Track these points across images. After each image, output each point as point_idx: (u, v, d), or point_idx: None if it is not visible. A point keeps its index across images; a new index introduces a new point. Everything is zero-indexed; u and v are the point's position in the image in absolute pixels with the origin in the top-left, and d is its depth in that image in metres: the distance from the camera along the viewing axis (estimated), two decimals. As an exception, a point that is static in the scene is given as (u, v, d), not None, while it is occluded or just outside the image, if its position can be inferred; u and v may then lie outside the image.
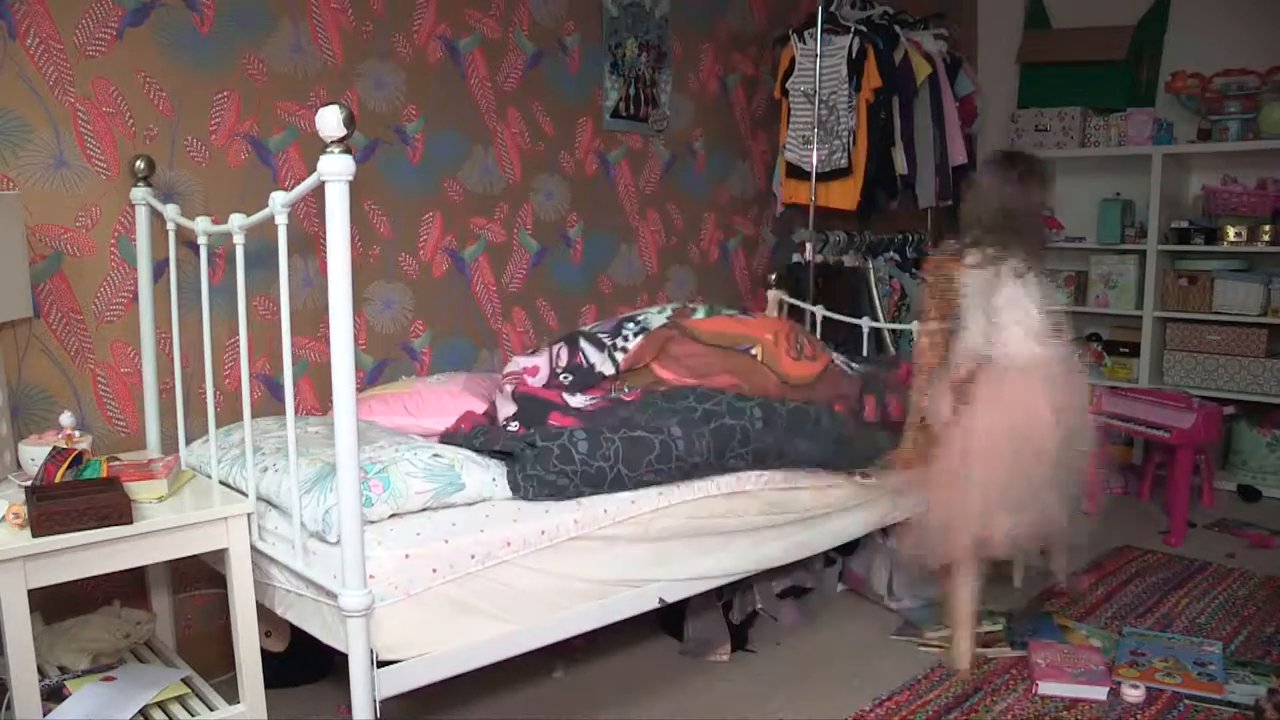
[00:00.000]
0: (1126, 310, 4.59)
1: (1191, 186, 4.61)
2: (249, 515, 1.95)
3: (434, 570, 1.84)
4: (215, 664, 2.30)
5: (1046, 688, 2.45)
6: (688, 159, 3.74)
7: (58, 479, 1.83)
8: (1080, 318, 4.95)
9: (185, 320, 2.33)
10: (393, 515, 1.94)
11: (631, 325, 2.73)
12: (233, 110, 2.50)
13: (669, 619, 2.77)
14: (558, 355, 2.67)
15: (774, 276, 3.94)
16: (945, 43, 4.12)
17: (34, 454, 1.91)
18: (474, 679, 2.06)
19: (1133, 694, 2.41)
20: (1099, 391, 4.26)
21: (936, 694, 2.47)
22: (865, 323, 3.68)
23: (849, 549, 3.04)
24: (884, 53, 3.75)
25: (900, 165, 3.90)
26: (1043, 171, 2.52)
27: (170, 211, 2.25)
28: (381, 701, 1.78)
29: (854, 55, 3.71)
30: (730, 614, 2.74)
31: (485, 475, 2.08)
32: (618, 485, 2.18)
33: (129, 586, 2.29)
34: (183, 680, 2.01)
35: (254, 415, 2.07)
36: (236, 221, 1.98)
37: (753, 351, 2.67)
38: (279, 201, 1.84)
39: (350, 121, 1.63)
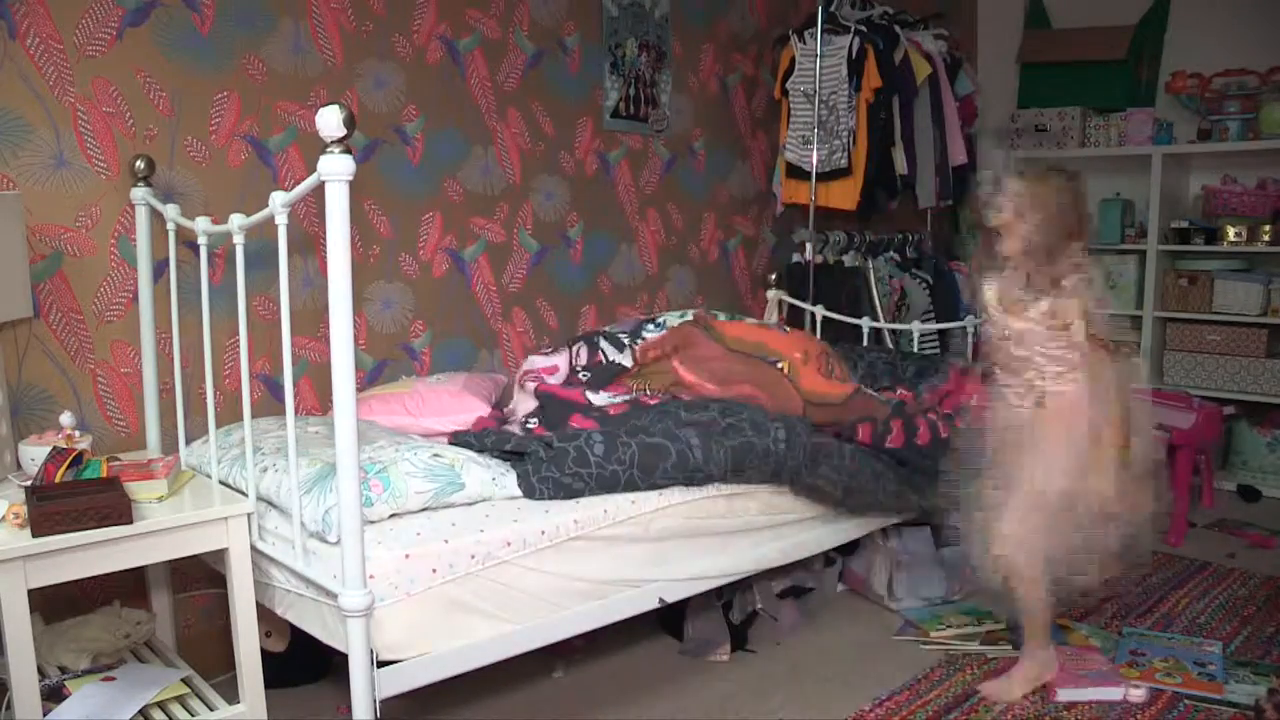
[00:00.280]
0: (1126, 310, 4.59)
1: (1191, 186, 4.61)
2: (249, 515, 1.95)
3: (434, 570, 1.84)
4: (215, 664, 2.30)
5: (1066, 694, 2.42)
6: (688, 159, 3.74)
7: (58, 479, 1.83)
8: (1080, 318, 4.96)
9: (185, 320, 2.33)
10: (393, 515, 1.94)
11: (651, 325, 2.73)
12: (233, 110, 2.50)
13: (669, 619, 2.77)
14: (577, 354, 2.67)
15: (774, 276, 3.94)
16: (945, 43, 4.13)
17: (34, 454, 1.92)
18: (474, 679, 2.06)
19: (1135, 694, 2.41)
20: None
21: (936, 694, 2.47)
22: (865, 323, 3.69)
23: (849, 549, 3.04)
24: (884, 53, 3.75)
25: (900, 165, 3.90)
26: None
27: (170, 211, 2.25)
28: (381, 701, 1.78)
29: (854, 55, 3.71)
30: (730, 614, 2.74)
31: (485, 475, 2.08)
32: (631, 490, 2.18)
33: (129, 586, 2.29)
34: (183, 680, 2.01)
35: (254, 415, 2.07)
36: (236, 221, 1.98)
37: (779, 365, 2.59)
38: (279, 201, 1.84)
39: (350, 121, 1.63)
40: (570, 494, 2.10)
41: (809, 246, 3.91)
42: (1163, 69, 4.59)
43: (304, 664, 2.46)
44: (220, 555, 1.93)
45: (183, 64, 2.40)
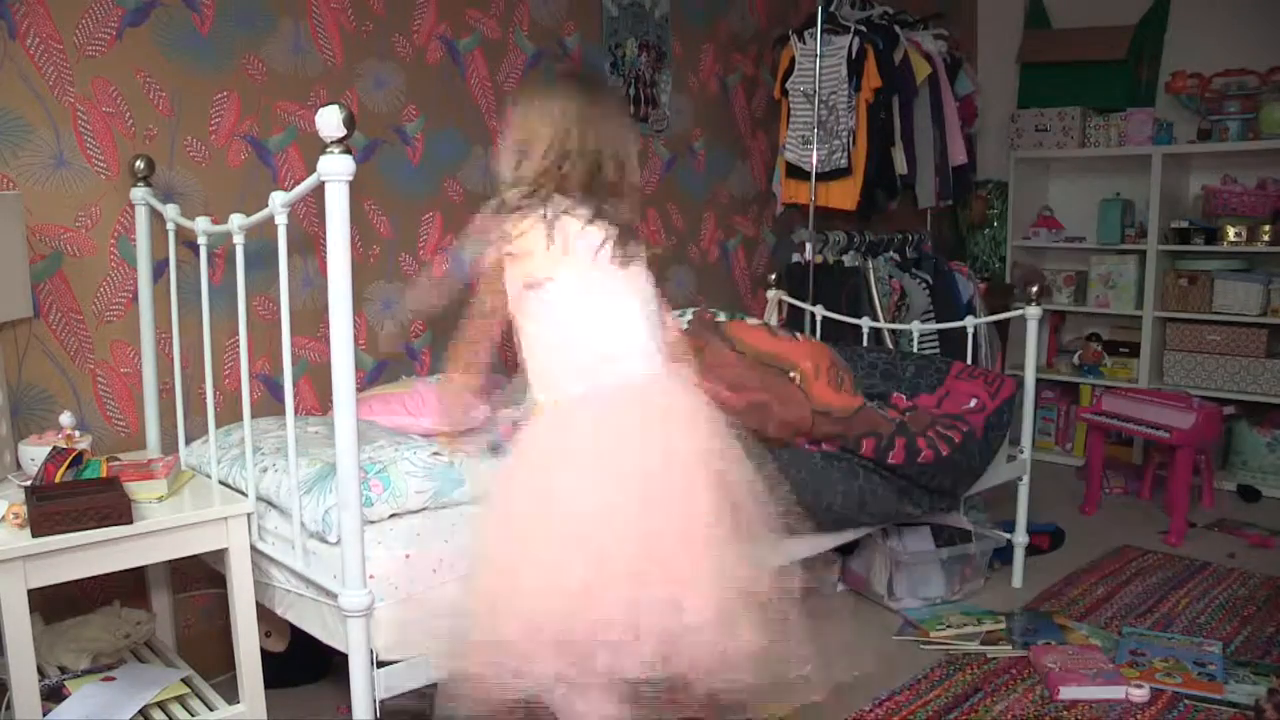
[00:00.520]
0: (1126, 310, 4.59)
1: (1191, 186, 4.61)
2: (249, 515, 1.95)
3: (434, 570, 1.84)
4: (215, 664, 2.30)
5: (1069, 692, 2.43)
6: (688, 159, 3.74)
7: (58, 479, 1.83)
8: (1080, 318, 4.97)
9: (185, 320, 2.33)
10: (392, 515, 1.94)
11: None
12: (233, 110, 2.50)
13: (669, 619, 2.77)
14: None
15: (774, 276, 3.94)
16: (945, 43, 4.12)
17: (34, 454, 1.92)
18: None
19: (1137, 694, 2.41)
20: (1098, 392, 4.26)
21: (936, 694, 2.47)
22: (865, 323, 3.69)
23: (849, 549, 3.04)
24: (884, 53, 3.75)
25: (900, 165, 3.90)
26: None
27: (170, 211, 2.25)
28: (381, 701, 1.78)
29: (854, 55, 3.71)
30: (730, 614, 2.73)
31: (482, 470, 2.08)
32: None
33: (129, 586, 2.29)
34: (183, 680, 2.01)
35: (254, 415, 2.07)
36: (236, 221, 1.98)
37: (792, 374, 2.57)
38: (279, 201, 1.84)
39: (350, 122, 1.63)
40: None
41: (809, 246, 3.91)
42: (1163, 69, 4.59)
43: (304, 664, 2.46)
44: (220, 555, 1.93)
45: (183, 64, 2.40)
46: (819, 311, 3.80)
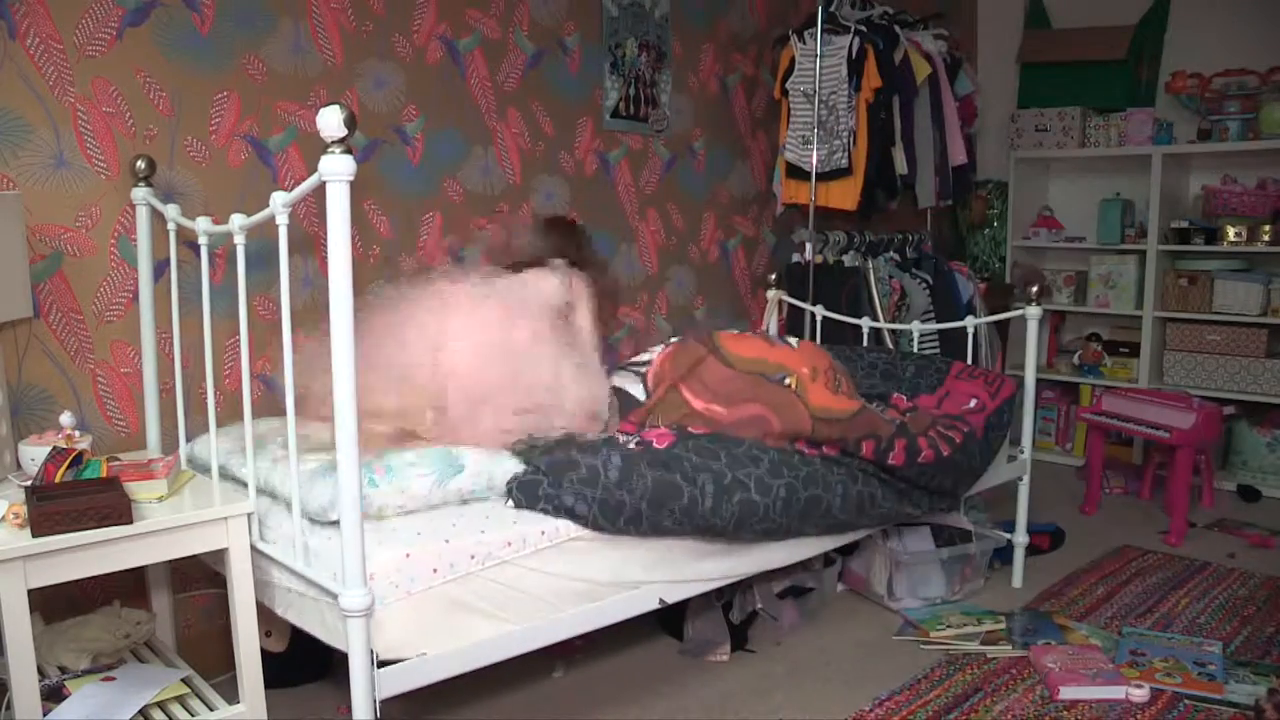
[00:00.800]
0: (1126, 310, 4.59)
1: (1191, 186, 4.62)
2: (249, 515, 1.95)
3: (434, 570, 1.84)
4: (215, 664, 2.30)
5: (1069, 692, 2.43)
6: (688, 159, 3.74)
7: (58, 479, 1.83)
8: (1080, 318, 4.97)
9: (185, 320, 2.33)
10: (398, 509, 1.94)
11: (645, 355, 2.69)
12: (233, 110, 2.50)
13: (669, 619, 2.77)
14: None
15: (774, 276, 3.94)
16: (945, 43, 4.13)
17: (34, 454, 1.91)
18: (474, 679, 2.06)
19: (1137, 694, 2.41)
20: (1098, 392, 4.27)
21: (936, 694, 2.47)
22: (865, 323, 3.69)
23: (849, 549, 3.04)
24: (884, 53, 3.75)
25: (900, 165, 3.90)
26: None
27: (171, 211, 2.25)
28: (381, 701, 1.78)
29: (854, 55, 3.71)
30: (730, 614, 2.74)
31: (482, 455, 2.09)
32: (634, 524, 2.11)
33: (129, 586, 2.29)
34: (183, 680, 2.01)
35: (254, 415, 2.07)
36: (237, 221, 1.98)
37: (786, 381, 2.53)
38: (280, 202, 1.84)
39: (351, 122, 1.63)
40: (572, 517, 2.06)
41: (809, 246, 3.91)
42: (1163, 69, 4.60)
43: (304, 664, 2.46)
44: (220, 555, 1.93)
45: (183, 64, 2.40)
46: (819, 311, 3.80)
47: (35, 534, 1.67)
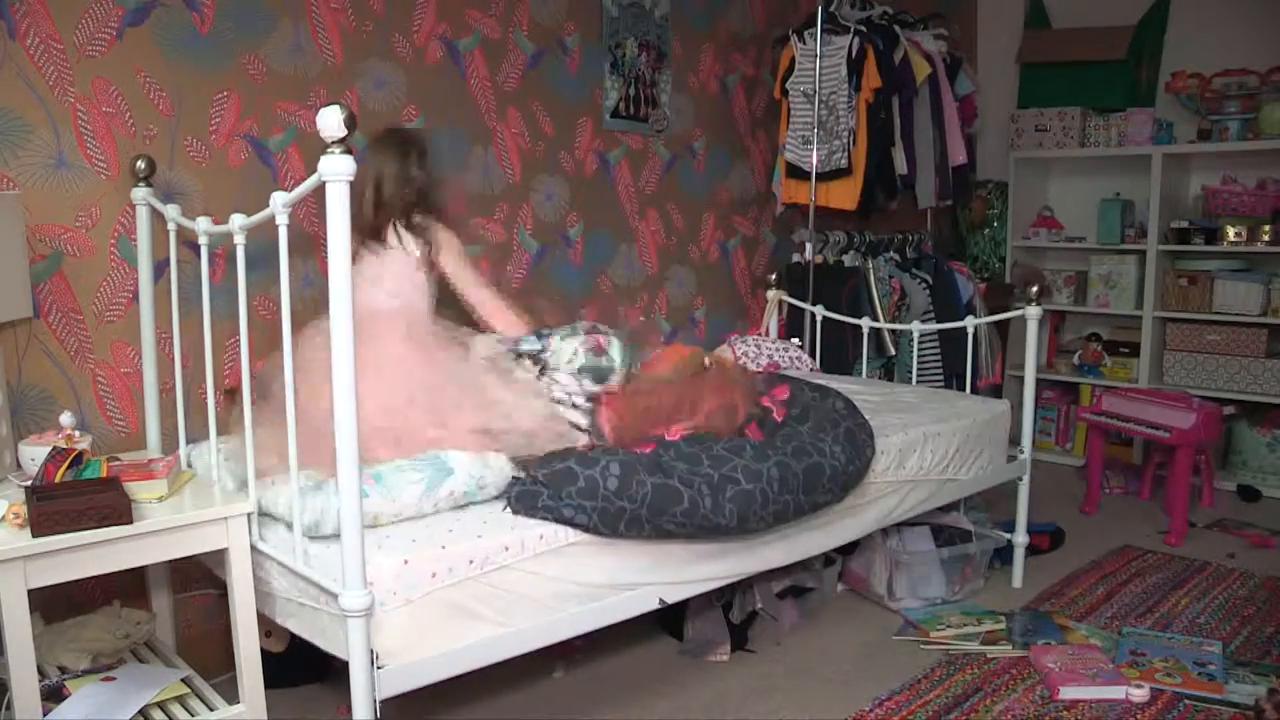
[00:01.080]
0: (1126, 310, 4.59)
1: (1191, 186, 4.62)
2: (249, 515, 1.95)
3: (433, 575, 1.84)
4: (215, 664, 2.30)
5: (1069, 692, 2.43)
6: (688, 159, 3.74)
7: (58, 479, 1.83)
8: (1080, 318, 4.97)
9: (185, 320, 2.33)
10: (392, 517, 1.94)
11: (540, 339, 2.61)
12: (233, 110, 2.50)
13: (669, 619, 2.77)
14: None
15: (774, 276, 3.95)
16: (945, 43, 4.13)
17: (34, 454, 1.91)
18: (474, 679, 2.06)
19: (1137, 694, 2.41)
20: (1098, 392, 4.27)
21: (936, 694, 2.47)
22: (865, 323, 3.69)
23: (849, 549, 3.04)
24: (884, 53, 3.75)
25: (900, 165, 3.90)
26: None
27: (171, 211, 2.25)
28: (381, 702, 1.78)
29: (854, 55, 3.71)
30: (730, 614, 2.74)
31: (470, 457, 2.09)
32: (634, 529, 2.11)
33: (129, 586, 2.29)
34: (183, 680, 2.01)
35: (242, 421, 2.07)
36: (237, 222, 1.98)
37: (706, 362, 2.56)
38: (280, 202, 1.83)
39: (351, 122, 1.63)
40: (571, 525, 2.05)
41: (809, 246, 3.91)
42: (1163, 69, 4.59)
43: (304, 664, 2.46)
44: (220, 556, 1.93)
45: (183, 64, 2.40)
46: (819, 311, 3.81)
47: (35, 534, 1.67)
